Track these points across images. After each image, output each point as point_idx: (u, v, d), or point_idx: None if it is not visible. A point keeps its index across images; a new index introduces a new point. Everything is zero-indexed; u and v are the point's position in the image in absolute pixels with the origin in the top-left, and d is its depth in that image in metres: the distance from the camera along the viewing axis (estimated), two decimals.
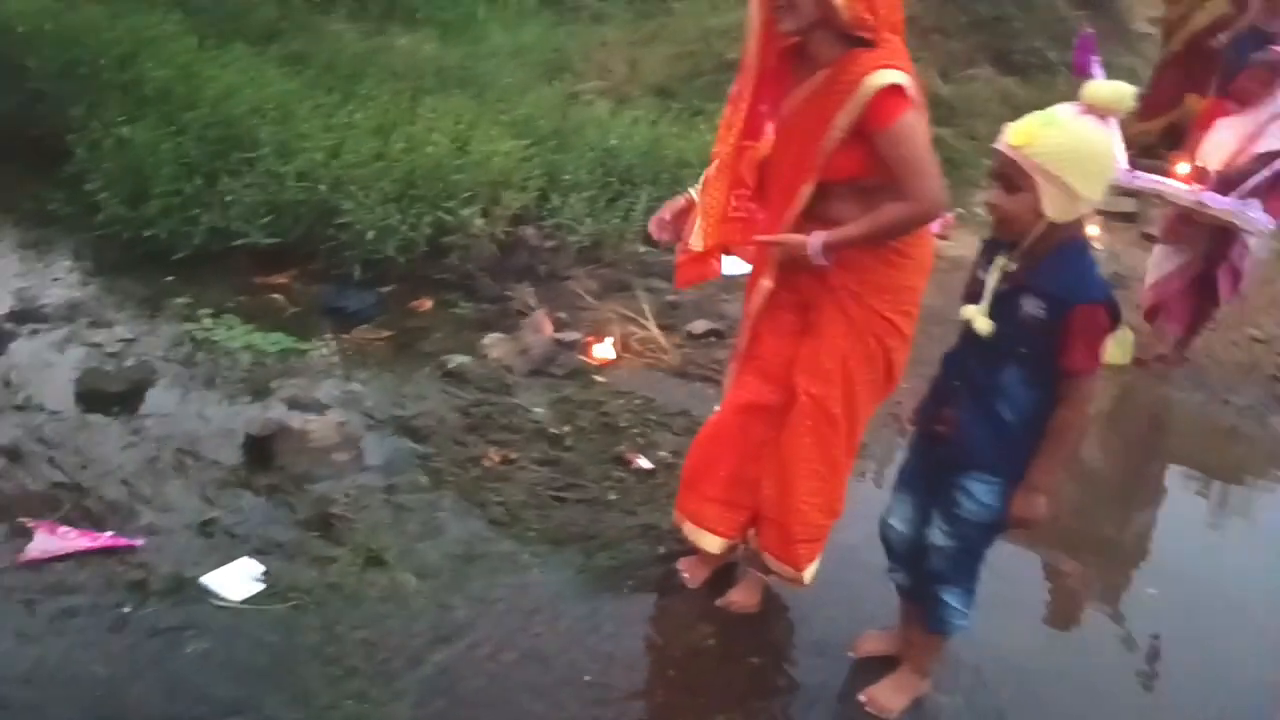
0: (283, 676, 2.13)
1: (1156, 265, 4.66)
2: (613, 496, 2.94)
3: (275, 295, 3.97)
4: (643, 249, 4.91)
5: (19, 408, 2.95)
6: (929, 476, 2.11)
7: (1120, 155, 3.66)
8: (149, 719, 1.99)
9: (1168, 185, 4.22)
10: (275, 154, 4.34)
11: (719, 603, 2.54)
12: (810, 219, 2.21)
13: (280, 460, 2.85)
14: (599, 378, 3.75)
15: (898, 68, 2.06)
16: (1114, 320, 1.87)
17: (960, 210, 5.81)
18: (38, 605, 2.21)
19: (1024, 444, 1.98)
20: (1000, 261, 1.96)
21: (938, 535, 2.09)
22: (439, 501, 2.82)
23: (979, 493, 2.01)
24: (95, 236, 4.07)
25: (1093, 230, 6.67)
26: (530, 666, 2.28)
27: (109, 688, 2.03)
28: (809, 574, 2.42)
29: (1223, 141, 4.26)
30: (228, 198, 4.14)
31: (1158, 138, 7.37)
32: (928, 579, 2.14)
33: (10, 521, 2.44)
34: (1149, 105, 7.46)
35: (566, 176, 4.96)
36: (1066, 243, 1.90)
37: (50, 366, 3.20)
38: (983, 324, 1.95)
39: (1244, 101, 4.28)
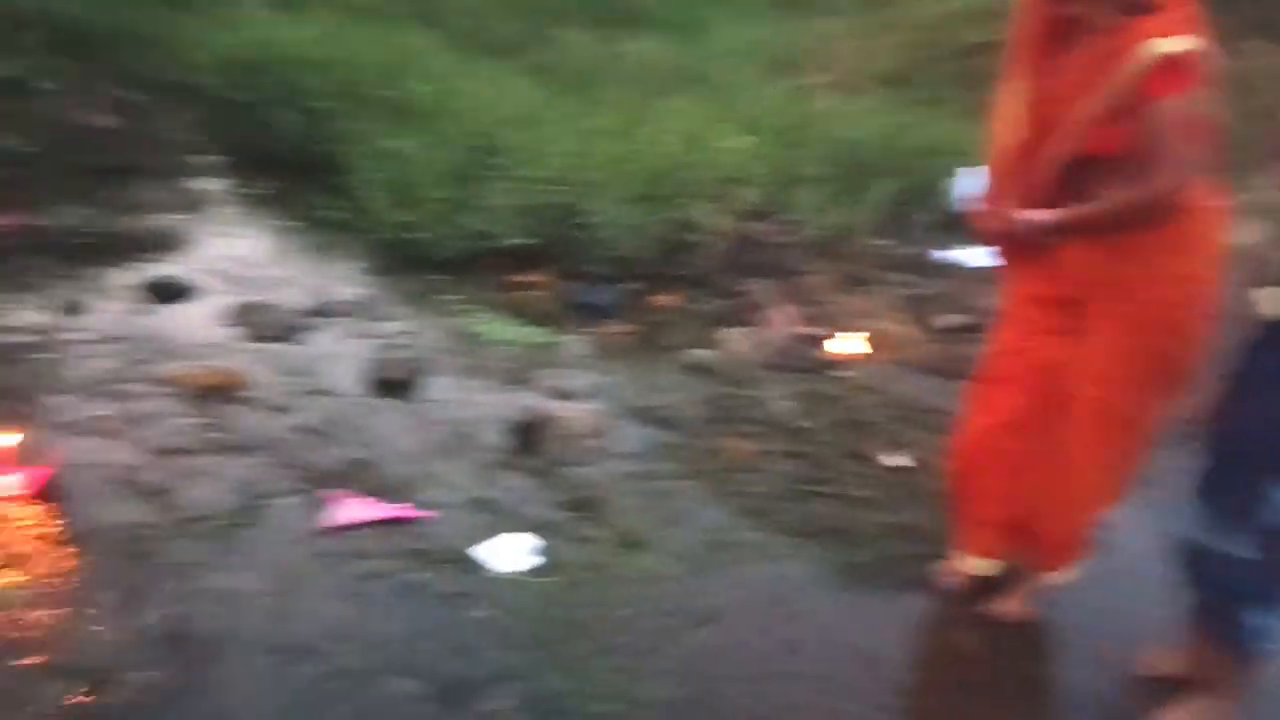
0: (554, 647, 2.26)
1: None
2: (864, 493, 2.92)
3: (530, 292, 4.20)
4: (883, 242, 4.84)
5: (319, 392, 3.29)
6: (1224, 480, 1.97)
7: None
8: (435, 675, 2.16)
9: None
10: (526, 160, 4.59)
11: (985, 610, 2.46)
12: (1063, 203, 2.08)
13: (543, 445, 3.02)
14: (842, 373, 3.72)
15: (1184, 34, 1.90)
16: None
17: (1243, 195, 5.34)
18: (339, 568, 2.46)
19: None
20: None
21: (1236, 546, 1.93)
22: (688, 489, 2.91)
23: (1273, 497, 1.86)
24: (372, 240, 4.45)
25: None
26: (786, 657, 2.30)
27: (401, 645, 2.23)
28: (1073, 571, 2.34)
29: None
30: (485, 202, 4.42)
31: None
32: (1225, 595, 1.98)
33: (312, 491, 2.73)
34: None
35: (800, 171, 4.95)
36: None
37: (341, 356, 3.54)
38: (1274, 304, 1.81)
39: None
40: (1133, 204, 1.98)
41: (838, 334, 3.93)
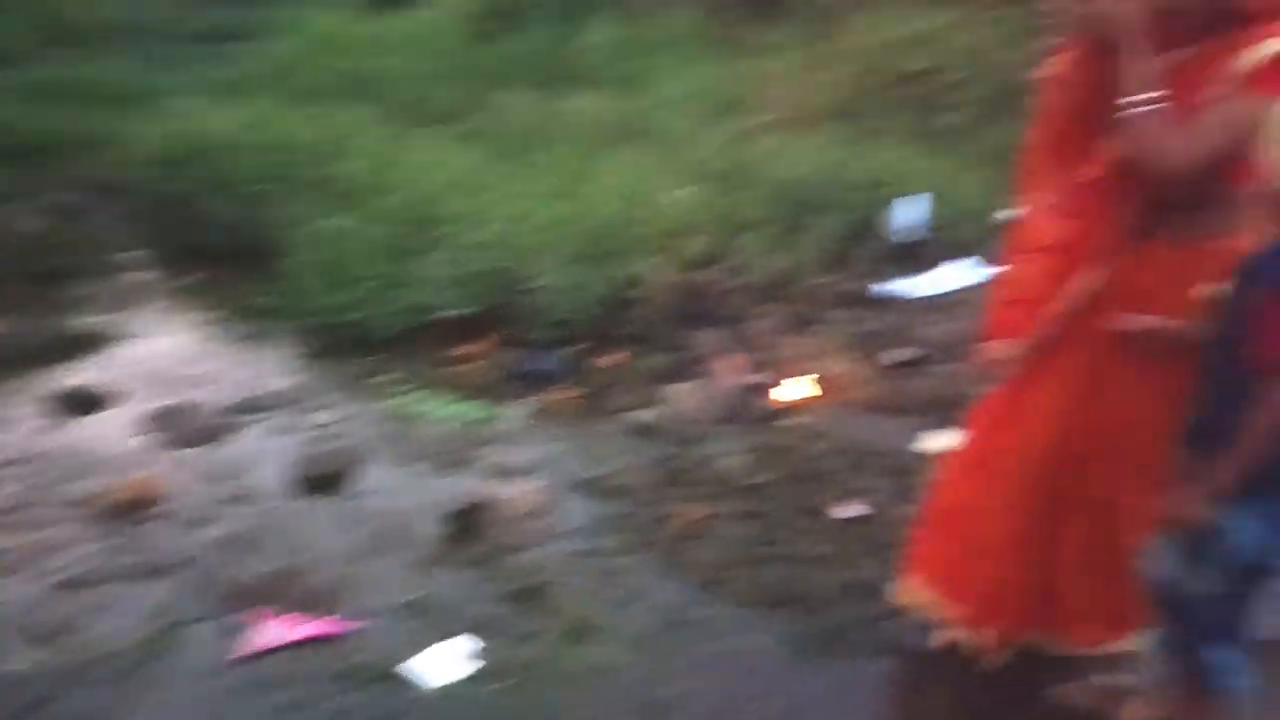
0: None
1: None
2: (820, 550, 2.78)
3: (471, 365, 4.06)
4: (829, 279, 4.74)
5: (239, 498, 3.12)
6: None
7: None
8: None
9: None
10: (465, 228, 4.49)
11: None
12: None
13: (483, 532, 2.87)
14: (791, 420, 3.59)
15: None
16: None
17: None
18: (259, 699, 2.27)
19: (1276, 467, 1.68)
20: None
21: (1200, 582, 1.80)
22: (641, 565, 2.76)
23: (1240, 531, 1.72)
24: (304, 326, 4.30)
25: None
26: None
27: None
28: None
29: None
30: (422, 274, 4.30)
31: None
32: (1192, 633, 1.86)
33: (230, 614, 2.54)
34: None
35: (743, 215, 4.87)
36: None
37: (267, 455, 3.37)
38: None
39: None
40: None
41: (786, 379, 3.81)
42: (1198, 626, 1.85)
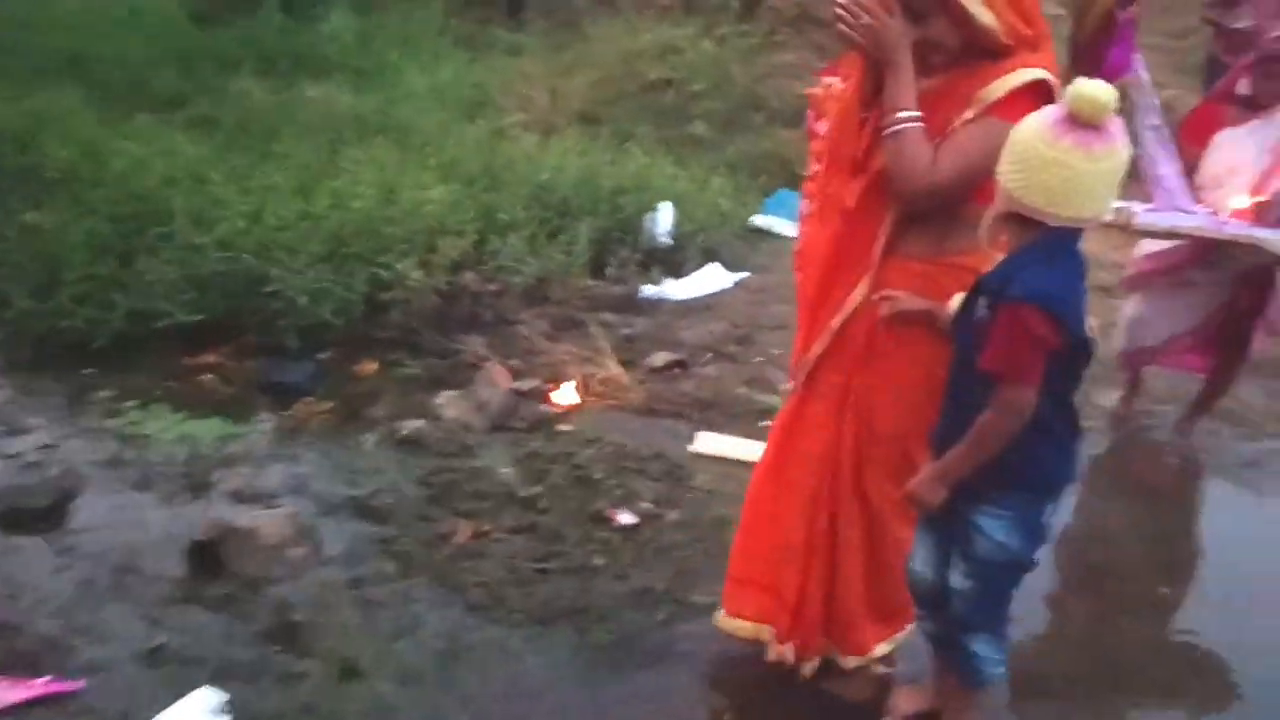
0: None
1: (1146, 323, 3.60)
2: (599, 561, 2.72)
3: (207, 376, 3.69)
4: (590, 283, 4.73)
5: None
6: (947, 512, 1.94)
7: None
8: None
9: (1207, 222, 3.21)
10: (192, 225, 4.06)
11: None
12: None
13: (231, 565, 2.59)
14: (564, 426, 3.54)
15: (1047, 69, 1.91)
16: (1056, 333, 1.70)
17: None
18: None
19: (1017, 467, 1.80)
20: None
21: (956, 578, 1.91)
22: (411, 590, 2.58)
23: (990, 529, 1.84)
24: (5, 335, 3.75)
25: None
26: None
27: None
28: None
29: (1240, 160, 3.28)
30: (146, 277, 3.86)
31: None
32: (952, 626, 1.96)
33: None
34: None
35: (502, 216, 4.76)
36: (1038, 244, 1.75)
37: None
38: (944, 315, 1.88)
39: (1263, 104, 3.31)
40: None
41: (555, 385, 3.75)
42: (958, 619, 1.95)
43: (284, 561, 2.64)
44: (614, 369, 3.87)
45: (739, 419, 3.60)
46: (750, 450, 3.23)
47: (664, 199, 5.34)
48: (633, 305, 4.61)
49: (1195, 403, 3.79)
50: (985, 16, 1.87)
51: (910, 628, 2.21)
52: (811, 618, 2.20)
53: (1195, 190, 3.30)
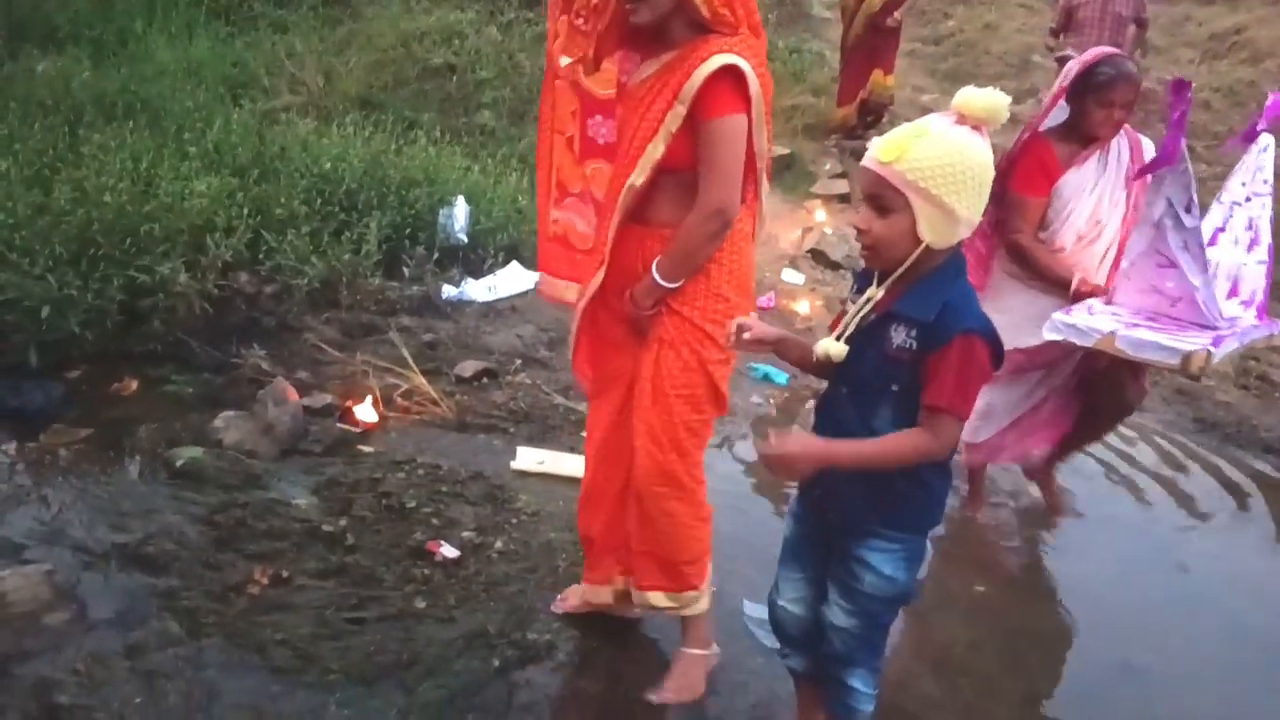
0: None
1: (990, 414, 3.22)
2: (421, 604, 2.45)
3: None
4: (384, 284, 4.38)
5: None
6: (820, 547, 1.84)
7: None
8: None
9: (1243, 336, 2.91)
10: None
11: (656, 699, 2.21)
12: (634, 220, 2.10)
13: None
14: (366, 447, 3.23)
15: (743, 55, 1.96)
16: (996, 358, 1.65)
17: None
18: None
19: (910, 497, 1.74)
20: (871, 291, 1.72)
21: (837, 614, 1.82)
22: (202, 655, 2.21)
23: (877, 563, 1.76)
24: None
25: (819, 215, 6.87)
26: None
27: None
28: (705, 596, 2.25)
29: (1096, 208, 3.02)
30: None
31: (857, 119, 7.78)
32: (829, 662, 1.87)
33: None
34: (844, 89, 7.86)
35: (279, 211, 4.33)
36: (943, 267, 1.68)
37: None
38: (836, 349, 1.71)
39: (1090, 135, 3.03)
40: (693, 231, 2.02)
41: (352, 401, 3.42)
42: (838, 656, 1.86)
43: (41, 631, 2.20)
44: (418, 380, 3.59)
45: (558, 430, 3.43)
46: (573, 464, 3.07)
47: (457, 193, 5.06)
48: (433, 308, 4.33)
49: (1054, 452, 3.47)
50: None
51: (693, 595, 2.22)
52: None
53: (1056, 250, 3.04)
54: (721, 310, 2.08)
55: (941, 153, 1.59)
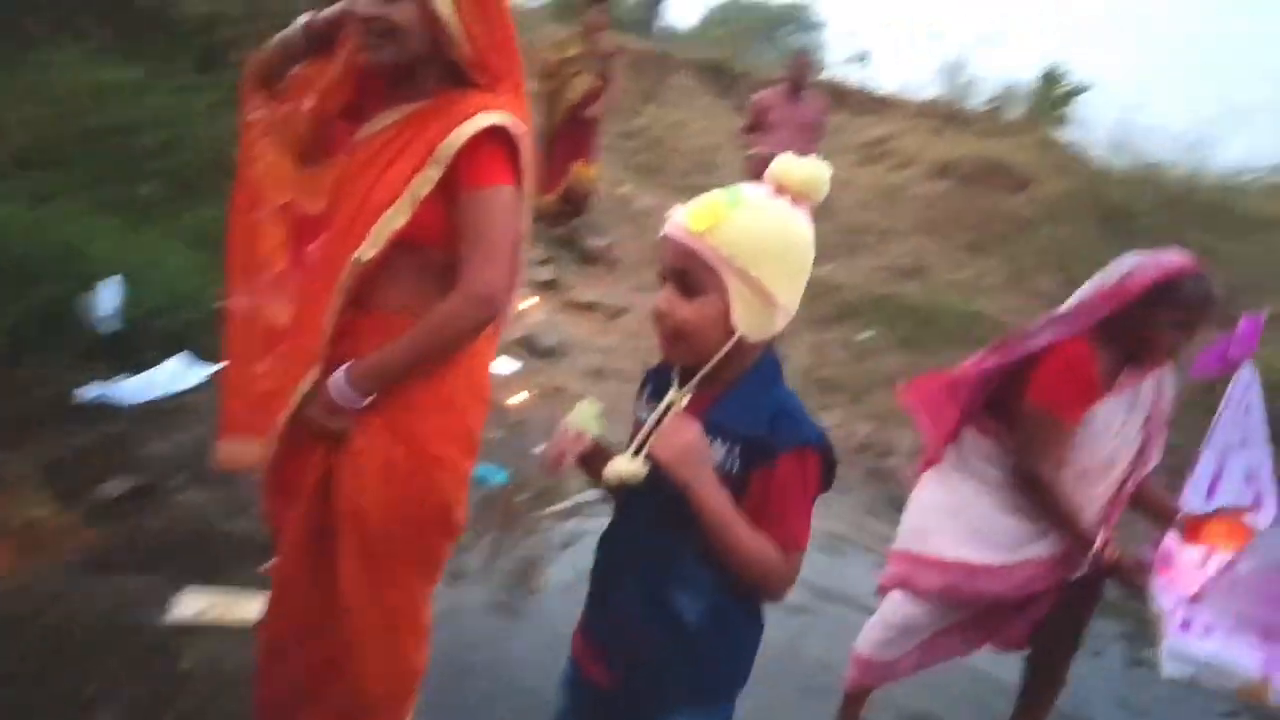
0: None
1: (913, 629, 2.51)
2: None
3: None
4: (12, 382, 3.56)
5: None
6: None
7: None
8: None
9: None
10: None
11: None
12: (359, 307, 1.72)
13: None
14: None
15: (512, 114, 1.70)
16: (829, 472, 1.40)
17: None
18: None
19: (718, 655, 1.44)
20: (673, 395, 1.41)
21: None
22: None
23: None
24: None
25: (528, 302, 6.65)
26: None
27: None
28: None
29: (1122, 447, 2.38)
30: None
31: (559, 206, 7.76)
32: None
33: None
34: (549, 177, 7.83)
35: None
36: (761, 367, 1.40)
37: None
38: (631, 470, 1.37)
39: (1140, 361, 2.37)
40: (447, 320, 1.66)
41: None
42: None
43: None
44: (51, 505, 2.86)
45: (234, 562, 2.83)
46: (251, 605, 2.51)
47: (115, 272, 4.31)
48: (69, 412, 3.55)
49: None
50: (445, 8, 1.64)
51: None
52: None
53: (1078, 479, 2.34)
54: (454, 425, 1.74)
55: (762, 227, 1.33)
